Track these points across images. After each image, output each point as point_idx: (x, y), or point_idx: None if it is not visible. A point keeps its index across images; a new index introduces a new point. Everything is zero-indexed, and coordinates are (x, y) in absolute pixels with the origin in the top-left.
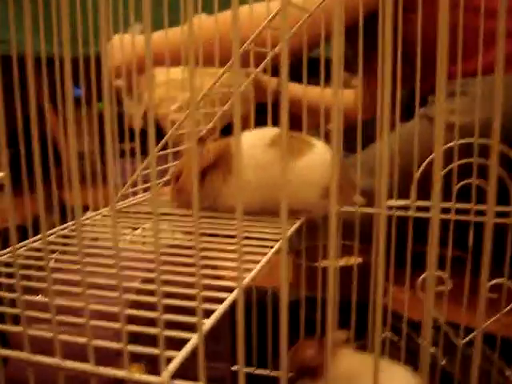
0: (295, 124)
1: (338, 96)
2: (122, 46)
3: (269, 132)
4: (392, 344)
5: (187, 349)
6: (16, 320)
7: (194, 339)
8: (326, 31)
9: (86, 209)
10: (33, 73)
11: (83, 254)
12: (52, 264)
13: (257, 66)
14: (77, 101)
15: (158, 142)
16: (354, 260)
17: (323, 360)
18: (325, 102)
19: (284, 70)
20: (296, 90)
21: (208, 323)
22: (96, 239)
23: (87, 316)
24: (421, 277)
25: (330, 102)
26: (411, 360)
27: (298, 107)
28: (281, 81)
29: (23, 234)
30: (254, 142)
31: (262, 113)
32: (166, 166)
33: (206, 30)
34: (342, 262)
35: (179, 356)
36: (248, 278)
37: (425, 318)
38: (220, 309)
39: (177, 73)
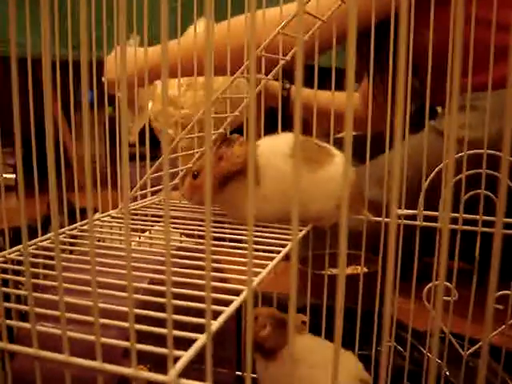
0: (305, 130)
1: (349, 112)
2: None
3: (289, 139)
4: (396, 353)
5: (195, 348)
6: (22, 317)
7: (201, 339)
8: (335, 39)
9: (93, 211)
10: (50, 76)
11: (93, 252)
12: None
13: (267, 71)
14: (90, 105)
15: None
16: (361, 269)
17: (278, 340)
18: (336, 105)
19: (299, 74)
20: (305, 94)
21: (216, 323)
22: (104, 240)
23: (96, 314)
24: (427, 287)
25: (341, 106)
26: (415, 370)
27: (306, 111)
28: (296, 87)
29: (31, 234)
30: (274, 150)
31: (271, 117)
32: (174, 169)
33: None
34: (349, 270)
35: (187, 355)
36: (258, 279)
37: (431, 327)
38: (228, 310)
39: (172, 88)
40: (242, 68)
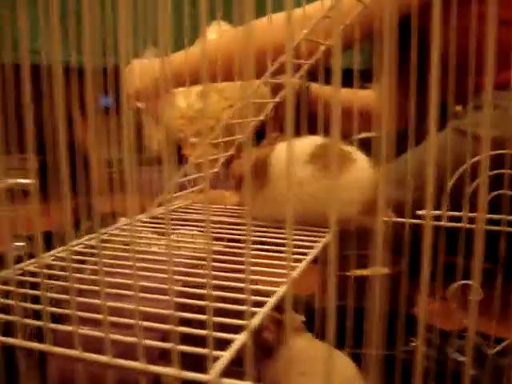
0: (327, 130)
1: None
2: (141, 70)
3: (308, 145)
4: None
5: (235, 347)
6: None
7: (241, 338)
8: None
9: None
10: (61, 81)
11: (135, 256)
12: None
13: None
14: (106, 110)
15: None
16: (384, 270)
17: (279, 341)
18: (359, 103)
19: (337, 75)
20: (327, 92)
21: (256, 320)
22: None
23: (138, 316)
24: (452, 286)
25: (364, 105)
26: (440, 370)
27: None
28: (334, 88)
29: (61, 239)
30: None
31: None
32: (196, 175)
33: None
34: (369, 272)
35: (227, 355)
36: (296, 272)
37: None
38: (267, 306)
39: (193, 97)
40: (270, 71)
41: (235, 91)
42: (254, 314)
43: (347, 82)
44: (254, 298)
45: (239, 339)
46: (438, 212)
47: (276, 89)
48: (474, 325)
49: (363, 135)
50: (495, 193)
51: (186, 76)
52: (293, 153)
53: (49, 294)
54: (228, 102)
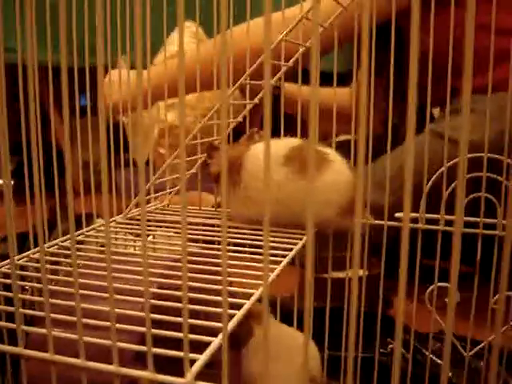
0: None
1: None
2: (120, 81)
3: (282, 147)
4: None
5: (211, 350)
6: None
7: (216, 341)
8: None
9: (90, 216)
10: (33, 80)
11: (110, 257)
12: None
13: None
14: (83, 110)
15: None
16: (363, 272)
17: (246, 329)
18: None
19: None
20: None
21: (231, 324)
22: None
23: (112, 319)
24: (429, 289)
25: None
26: (417, 372)
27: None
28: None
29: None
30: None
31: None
32: (173, 176)
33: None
34: (347, 274)
35: (202, 357)
36: (272, 275)
37: (434, 329)
38: (243, 309)
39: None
40: (246, 74)
41: (200, 101)
42: (230, 316)
43: (326, 85)
44: (230, 300)
45: (215, 342)
46: (415, 214)
47: (251, 92)
48: (451, 327)
49: (341, 138)
50: (472, 195)
51: (164, 89)
52: (269, 156)
53: (21, 296)
54: (194, 112)
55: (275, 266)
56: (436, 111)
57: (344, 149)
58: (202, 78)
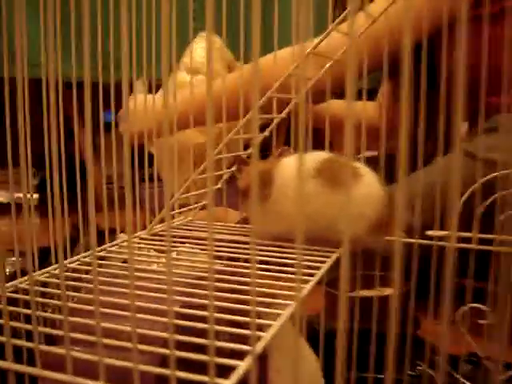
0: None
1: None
2: (143, 109)
3: (313, 160)
4: (428, 378)
5: (238, 375)
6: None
7: (244, 364)
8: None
9: (113, 232)
10: (56, 95)
11: (133, 275)
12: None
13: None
14: (107, 126)
15: None
16: (390, 291)
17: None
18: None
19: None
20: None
21: (262, 344)
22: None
23: (135, 339)
24: (460, 309)
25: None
26: None
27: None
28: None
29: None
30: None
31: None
32: (198, 191)
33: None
34: (373, 293)
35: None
36: (305, 290)
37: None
38: (275, 326)
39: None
40: (274, 87)
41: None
42: (259, 338)
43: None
44: (258, 321)
45: (243, 366)
46: (445, 232)
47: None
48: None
49: (367, 153)
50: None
51: (190, 117)
52: (302, 169)
53: (39, 314)
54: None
55: (304, 286)
56: (463, 127)
57: (370, 165)
58: (228, 109)
